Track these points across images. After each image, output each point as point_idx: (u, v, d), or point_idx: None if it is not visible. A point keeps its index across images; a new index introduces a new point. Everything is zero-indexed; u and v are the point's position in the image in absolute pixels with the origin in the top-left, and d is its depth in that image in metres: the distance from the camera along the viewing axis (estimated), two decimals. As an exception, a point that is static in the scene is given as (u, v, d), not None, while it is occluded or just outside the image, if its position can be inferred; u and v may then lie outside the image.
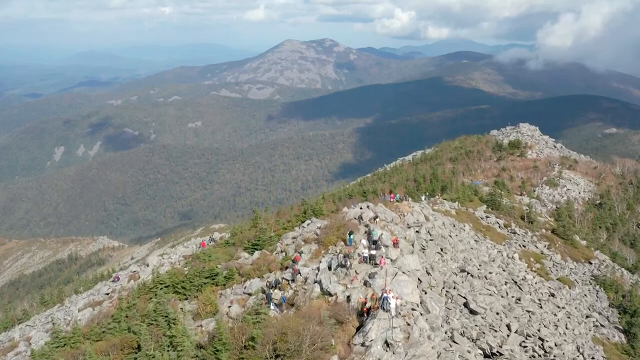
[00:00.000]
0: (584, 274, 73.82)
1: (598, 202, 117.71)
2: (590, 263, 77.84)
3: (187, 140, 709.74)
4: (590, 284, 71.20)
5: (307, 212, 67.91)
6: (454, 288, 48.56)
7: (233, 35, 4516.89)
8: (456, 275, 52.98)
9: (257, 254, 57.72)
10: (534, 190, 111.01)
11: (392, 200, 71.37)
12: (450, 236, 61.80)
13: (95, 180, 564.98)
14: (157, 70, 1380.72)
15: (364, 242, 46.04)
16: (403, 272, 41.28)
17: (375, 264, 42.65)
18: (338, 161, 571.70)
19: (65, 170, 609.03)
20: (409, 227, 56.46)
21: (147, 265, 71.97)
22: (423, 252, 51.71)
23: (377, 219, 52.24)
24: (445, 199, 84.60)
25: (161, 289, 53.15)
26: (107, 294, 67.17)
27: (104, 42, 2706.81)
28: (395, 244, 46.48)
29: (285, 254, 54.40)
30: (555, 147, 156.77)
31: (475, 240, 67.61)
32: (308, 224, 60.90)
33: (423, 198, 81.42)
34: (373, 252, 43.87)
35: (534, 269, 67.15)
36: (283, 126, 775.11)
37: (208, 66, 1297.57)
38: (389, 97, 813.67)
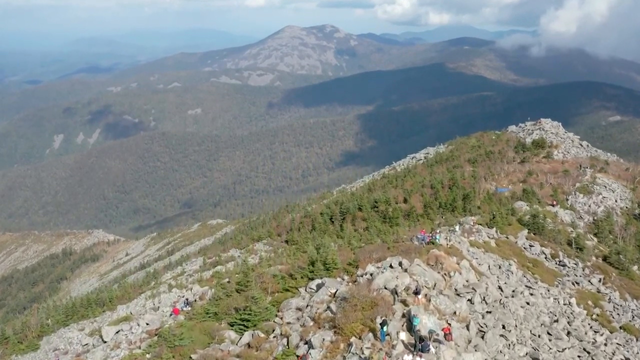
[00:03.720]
0: (647, 315, 65.46)
1: (637, 211, 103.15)
2: (651, 299, 68.82)
3: (186, 128, 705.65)
4: (656, 329, 62.73)
5: (316, 264, 52.12)
6: (532, 395, 36.68)
7: (233, 21, 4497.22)
8: (529, 370, 41.19)
9: (247, 336, 43.13)
10: (567, 199, 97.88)
11: (428, 240, 55.98)
12: (501, 289, 51.14)
13: (94, 168, 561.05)
14: (158, 56, 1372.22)
15: (404, 337, 33.19)
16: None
17: None
18: (339, 148, 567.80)
19: (65, 159, 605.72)
20: (459, 295, 43.06)
21: (103, 341, 56.82)
22: (482, 339, 38.82)
23: (420, 296, 37.38)
24: (480, 224, 74.80)
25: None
26: (46, 383, 52.23)
27: (104, 28, 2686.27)
28: (448, 335, 33.39)
29: (287, 342, 39.51)
30: (581, 145, 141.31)
31: (528, 287, 58.07)
32: (318, 286, 46.18)
33: (457, 228, 69.76)
34: (419, 359, 31.13)
35: (594, 316, 58.12)
36: (283, 113, 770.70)
37: (208, 52, 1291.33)
38: (390, 84, 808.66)
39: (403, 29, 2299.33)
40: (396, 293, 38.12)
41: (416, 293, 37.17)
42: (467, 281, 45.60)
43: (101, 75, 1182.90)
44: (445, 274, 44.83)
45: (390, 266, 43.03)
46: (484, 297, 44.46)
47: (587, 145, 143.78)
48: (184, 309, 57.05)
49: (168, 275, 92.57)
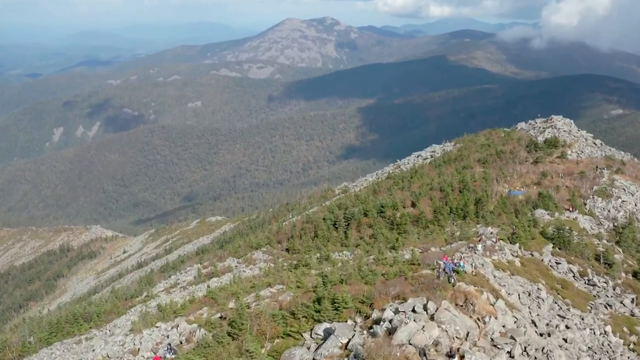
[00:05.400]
0: (683, 341, 59.18)
1: None
2: (685, 322, 63.16)
3: (186, 121, 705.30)
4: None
5: (323, 302, 42.70)
6: None
7: (233, 13, 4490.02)
8: None
9: None
10: (585, 204, 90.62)
11: (453, 269, 45.75)
12: (534, 323, 45.05)
13: (94, 161, 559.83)
14: (157, 49, 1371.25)
15: None
16: None
17: None
18: (340, 142, 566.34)
19: (64, 152, 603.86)
20: (496, 347, 35.86)
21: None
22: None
23: (455, 358, 31.04)
24: (502, 239, 67.61)
25: None
26: None
27: (104, 21, 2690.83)
28: None
29: None
30: (595, 144, 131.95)
31: (561, 316, 52.11)
32: (326, 332, 37.82)
33: (479, 247, 61.70)
34: None
35: (630, 345, 51.78)
36: (284, 106, 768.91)
37: (208, 45, 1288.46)
38: (391, 77, 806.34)
39: (404, 22, 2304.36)
40: (424, 354, 31.29)
41: (450, 357, 30.93)
42: (503, 327, 38.70)
43: (101, 68, 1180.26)
44: (478, 319, 37.81)
45: (413, 310, 36.14)
46: (525, 348, 37.60)
47: (601, 144, 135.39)
48: (167, 356, 49.44)
49: (161, 285, 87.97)
